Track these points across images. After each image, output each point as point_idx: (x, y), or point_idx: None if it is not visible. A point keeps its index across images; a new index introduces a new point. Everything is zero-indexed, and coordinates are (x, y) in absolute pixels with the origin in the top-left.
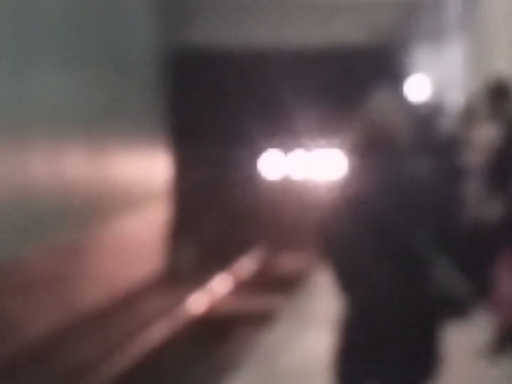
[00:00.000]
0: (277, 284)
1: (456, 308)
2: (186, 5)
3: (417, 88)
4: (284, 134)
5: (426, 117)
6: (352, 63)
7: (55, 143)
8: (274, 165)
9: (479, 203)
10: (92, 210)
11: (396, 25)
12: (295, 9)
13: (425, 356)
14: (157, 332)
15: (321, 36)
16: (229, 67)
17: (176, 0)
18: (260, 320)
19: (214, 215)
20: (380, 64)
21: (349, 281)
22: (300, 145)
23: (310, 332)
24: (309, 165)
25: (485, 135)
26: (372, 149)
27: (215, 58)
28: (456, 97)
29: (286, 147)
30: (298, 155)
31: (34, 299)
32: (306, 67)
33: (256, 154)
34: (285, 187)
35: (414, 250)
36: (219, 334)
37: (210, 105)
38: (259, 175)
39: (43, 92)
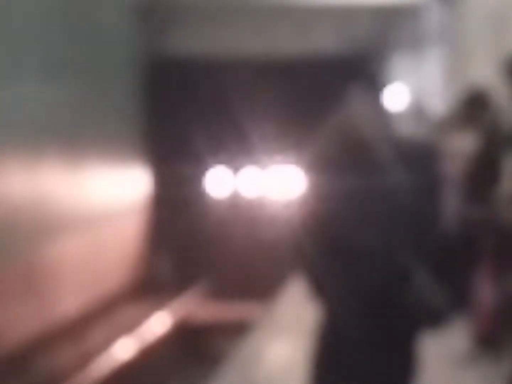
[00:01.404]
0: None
1: (434, 318)
2: (165, 15)
3: (395, 97)
4: (236, 149)
5: (403, 126)
6: (327, 72)
7: (32, 155)
8: (223, 182)
9: (457, 213)
10: (67, 223)
11: (374, 34)
12: (270, 18)
13: (402, 365)
14: (130, 343)
15: (296, 46)
16: (191, 77)
17: (155, 10)
18: (236, 329)
19: (179, 232)
20: (356, 73)
21: (326, 291)
22: (254, 162)
23: (286, 341)
24: (263, 183)
25: (463, 144)
26: (348, 159)
27: (178, 67)
28: (434, 106)
29: (238, 163)
30: (251, 172)
31: (7, 309)
32: (273, 78)
33: (204, 170)
34: (234, 205)
35: (392, 260)
36: (194, 344)
37: (173, 117)
38: (205, 193)
39: (21, 103)
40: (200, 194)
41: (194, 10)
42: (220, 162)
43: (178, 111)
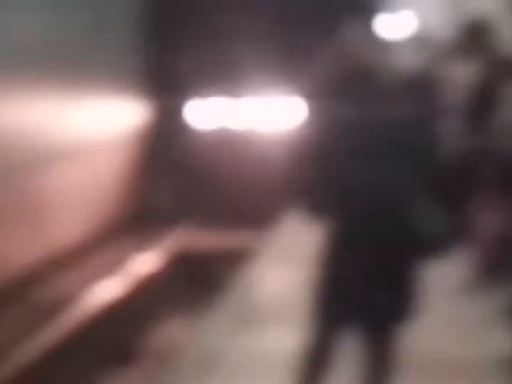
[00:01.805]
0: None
1: (435, 243)
2: None
3: (396, 25)
4: (229, 77)
5: (404, 55)
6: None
7: (30, 83)
8: (209, 113)
9: (458, 142)
10: (62, 152)
11: None
12: None
13: (404, 294)
14: (128, 274)
15: None
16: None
17: None
18: (235, 257)
19: (170, 165)
20: (355, 1)
21: (328, 216)
22: (246, 91)
23: (286, 269)
24: (254, 113)
25: (464, 73)
26: (347, 88)
27: None
28: (435, 35)
29: (229, 92)
30: (241, 102)
31: (4, 238)
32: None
33: (187, 100)
34: (221, 139)
35: (393, 186)
36: (193, 274)
37: (169, 45)
38: (187, 124)
39: (22, 31)
40: (187, 125)
41: None
42: (212, 92)
43: (174, 38)
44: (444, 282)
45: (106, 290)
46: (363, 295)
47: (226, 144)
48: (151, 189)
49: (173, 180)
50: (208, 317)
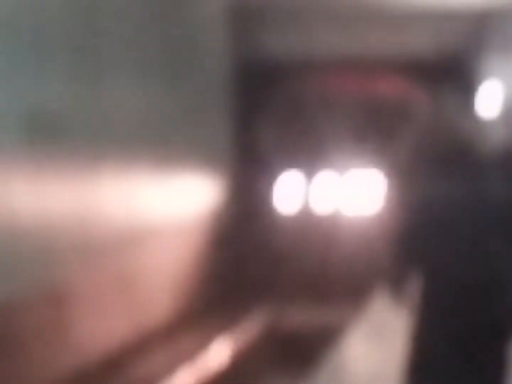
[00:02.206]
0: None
1: None
2: (255, 17)
3: (489, 100)
4: (313, 153)
5: (496, 131)
6: (419, 75)
7: (125, 160)
8: (295, 192)
9: None
10: (147, 230)
11: (468, 35)
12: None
13: (494, 368)
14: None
15: (391, 47)
16: (279, 81)
17: (246, 12)
18: (326, 335)
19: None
20: (450, 76)
21: (432, 293)
22: (328, 166)
23: (377, 345)
24: (340, 193)
25: None
26: (438, 165)
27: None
28: None
29: (314, 168)
30: (327, 178)
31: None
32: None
33: (270, 179)
34: (305, 223)
35: (488, 265)
36: (284, 351)
37: (257, 124)
38: (275, 207)
39: (116, 107)
40: (270, 208)
41: (284, 11)
42: (295, 168)
43: (262, 116)
44: None
45: (193, 371)
46: (454, 368)
47: (310, 228)
48: (234, 270)
49: (256, 261)
50: None
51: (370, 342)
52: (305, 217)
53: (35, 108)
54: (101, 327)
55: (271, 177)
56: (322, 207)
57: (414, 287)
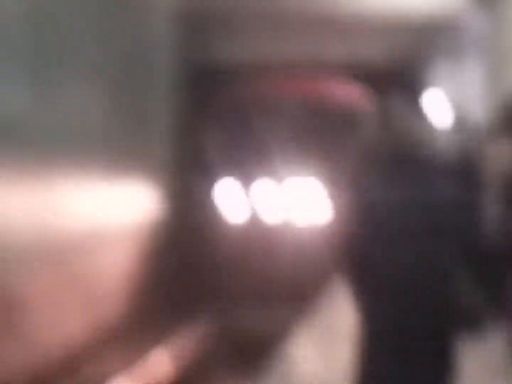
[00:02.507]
0: None
1: (472, 322)
2: (205, 22)
3: (435, 106)
4: (254, 160)
5: (443, 135)
6: (371, 81)
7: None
8: (236, 199)
9: (499, 222)
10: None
11: (416, 44)
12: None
13: (440, 370)
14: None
15: (339, 54)
16: (226, 86)
17: (195, 17)
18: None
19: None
20: (398, 83)
21: (371, 296)
22: (272, 174)
23: (326, 348)
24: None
25: (503, 152)
26: (387, 171)
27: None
28: (474, 115)
29: (253, 175)
30: (269, 187)
31: None
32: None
33: (215, 184)
34: (253, 232)
35: (435, 267)
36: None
37: (197, 128)
38: (217, 214)
39: (68, 113)
40: (214, 215)
41: (233, 16)
42: (234, 175)
43: (207, 123)
44: (480, 362)
45: (138, 376)
46: (400, 372)
47: (258, 238)
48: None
49: (202, 269)
50: None
51: (318, 347)
52: (250, 224)
53: None
54: (55, 328)
55: (215, 184)
56: (266, 214)
57: (360, 293)
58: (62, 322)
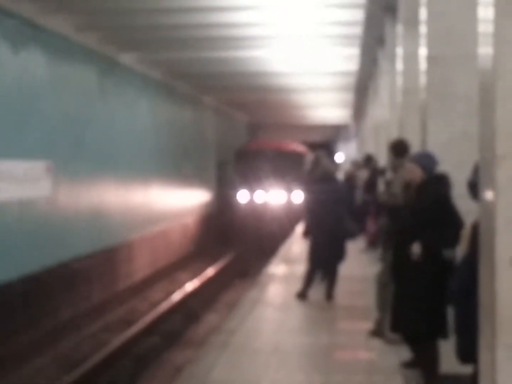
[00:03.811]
0: None
1: (352, 234)
2: None
3: (339, 157)
4: (255, 183)
5: (340, 168)
6: (313, 147)
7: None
8: (246, 196)
9: (361, 198)
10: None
11: (332, 134)
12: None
13: (342, 251)
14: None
15: (298, 136)
16: None
17: None
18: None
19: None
20: (326, 148)
21: (313, 232)
22: (262, 188)
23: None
24: (267, 196)
25: (363, 174)
26: (321, 181)
27: None
28: (353, 160)
29: (255, 188)
30: (261, 192)
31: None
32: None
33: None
34: (252, 206)
35: (337, 217)
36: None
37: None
38: (237, 201)
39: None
40: (236, 201)
41: (268, 126)
42: (246, 188)
43: (234, 163)
44: (355, 248)
45: None
46: (326, 254)
47: (254, 208)
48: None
49: (231, 225)
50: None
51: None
52: (250, 203)
53: None
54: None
55: (238, 191)
56: (259, 200)
57: (311, 229)
58: (154, 258)
